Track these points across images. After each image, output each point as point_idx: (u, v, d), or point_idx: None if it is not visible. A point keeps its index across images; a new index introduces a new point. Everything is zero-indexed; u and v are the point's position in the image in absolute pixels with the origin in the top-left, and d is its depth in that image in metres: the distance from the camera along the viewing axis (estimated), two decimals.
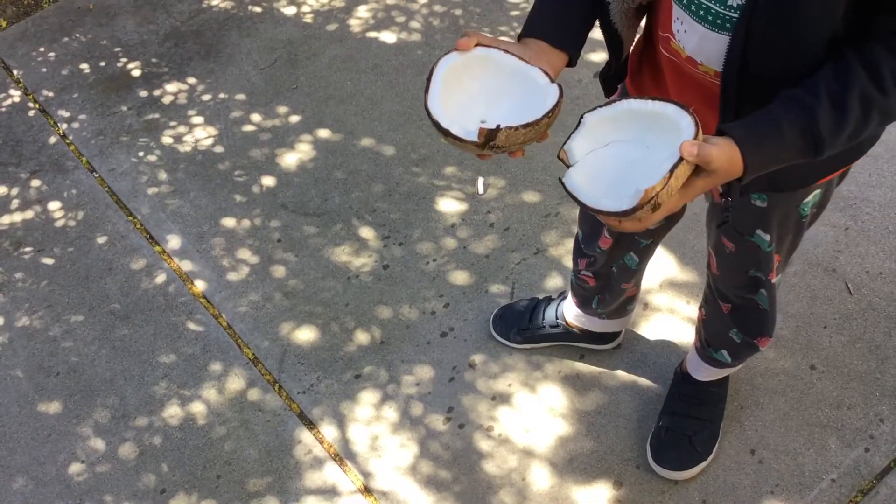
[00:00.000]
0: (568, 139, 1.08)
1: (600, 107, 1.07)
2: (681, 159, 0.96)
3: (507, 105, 1.11)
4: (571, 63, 1.21)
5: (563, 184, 1.05)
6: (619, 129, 1.07)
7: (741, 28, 1.05)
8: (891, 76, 1.01)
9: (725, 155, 1.00)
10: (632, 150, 1.06)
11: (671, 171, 0.96)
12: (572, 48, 1.19)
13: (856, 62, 1.02)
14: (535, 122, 1.05)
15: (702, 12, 1.10)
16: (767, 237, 1.45)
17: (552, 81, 1.10)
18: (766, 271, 1.55)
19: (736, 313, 1.72)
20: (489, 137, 1.03)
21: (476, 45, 1.11)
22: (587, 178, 1.05)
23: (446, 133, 1.05)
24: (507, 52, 1.11)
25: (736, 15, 1.06)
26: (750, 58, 1.08)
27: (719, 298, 1.73)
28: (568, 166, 1.08)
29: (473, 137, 1.04)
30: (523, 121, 1.05)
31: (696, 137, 0.98)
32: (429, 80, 1.09)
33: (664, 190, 0.96)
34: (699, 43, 1.14)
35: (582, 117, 1.08)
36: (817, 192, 1.39)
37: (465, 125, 1.06)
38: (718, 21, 1.09)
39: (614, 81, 1.38)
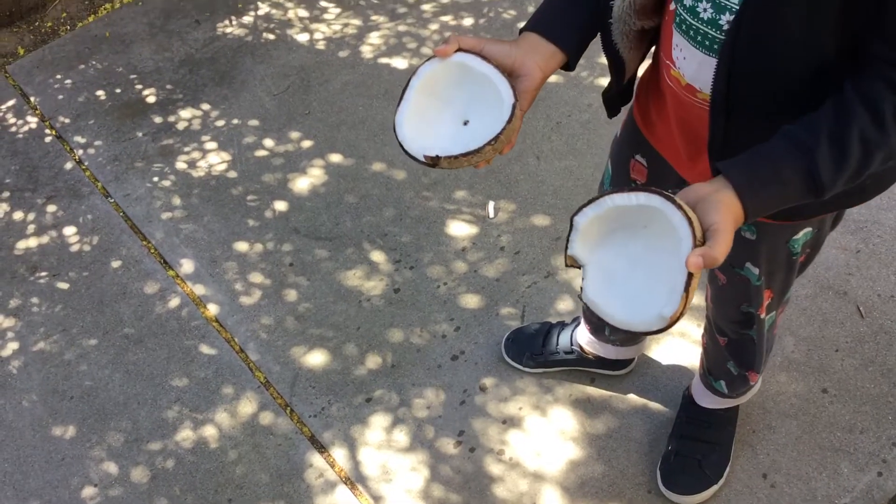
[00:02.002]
0: (568, 244, 1.06)
1: (586, 206, 1.04)
2: (690, 275, 0.95)
3: (474, 115, 1.13)
4: (569, 66, 1.18)
5: (584, 301, 1.05)
6: (612, 230, 1.05)
7: (727, 48, 1.05)
8: (892, 114, 0.98)
9: (729, 221, 0.98)
10: (632, 248, 1.04)
11: (686, 290, 0.95)
12: (568, 46, 1.16)
13: (856, 100, 0.99)
14: (476, 150, 1.06)
15: (699, 37, 1.10)
16: (756, 271, 1.45)
17: (515, 98, 1.09)
18: (756, 306, 1.55)
19: (731, 346, 1.73)
20: (433, 163, 1.08)
21: (457, 51, 1.11)
22: (603, 289, 1.04)
23: (401, 147, 1.09)
24: (484, 58, 1.10)
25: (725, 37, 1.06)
26: (735, 80, 1.08)
27: (716, 332, 1.74)
28: (578, 267, 1.06)
29: (423, 159, 1.09)
30: (468, 146, 1.07)
31: (693, 234, 0.95)
32: (405, 87, 1.11)
33: (686, 308, 0.96)
34: (697, 69, 1.14)
35: (572, 220, 1.06)
36: (808, 230, 1.38)
37: (424, 140, 1.10)
38: (715, 46, 1.09)
39: (616, 102, 1.37)
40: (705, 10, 1.07)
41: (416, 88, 1.11)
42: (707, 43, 1.10)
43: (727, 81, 1.08)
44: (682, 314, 0.96)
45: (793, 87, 1.07)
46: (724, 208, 0.98)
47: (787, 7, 0.98)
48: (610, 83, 1.33)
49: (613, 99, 1.36)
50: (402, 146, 1.10)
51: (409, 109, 1.11)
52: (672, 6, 1.15)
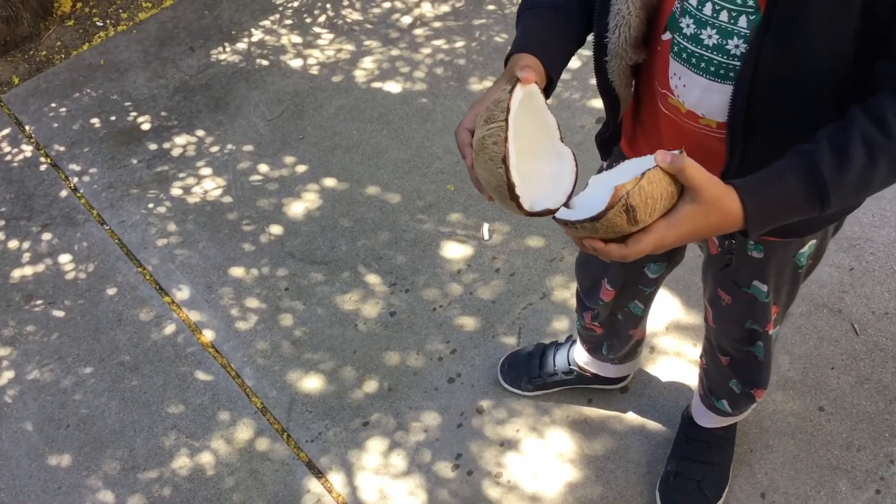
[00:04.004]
0: (571, 197, 1.05)
1: (605, 170, 1.05)
2: (654, 166, 0.94)
3: (535, 156, 1.07)
4: (546, 94, 1.17)
5: (554, 217, 1.03)
6: (618, 179, 1.03)
7: (746, 75, 1.04)
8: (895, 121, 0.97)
9: (708, 177, 0.95)
10: (615, 180, 1.02)
11: (643, 174, 0.93)
12: (556, 77, 1.16)
13: (859, 110, 0.99)
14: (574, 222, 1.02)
15: (703, 64, 1.10)
16: (765, 288, 1.45)
17: (562, 139, 1.07)
18: (764, 323, 1.55)
19: (734, 365, 1.72)
20: (540, 215, 1.02)
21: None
22: (577, 209, 1.03)
23: (514, 198, 0.99)
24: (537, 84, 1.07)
25: (739, 63, 1.06)
26: (755, 104, 1.07)
27: (718, 351, 1.73)
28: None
29: (533, 208, 1.01)
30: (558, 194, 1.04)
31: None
32: (506, 121, 1.00)
33: (635, 190, 0.92)
34: (700, 96, 1.14)
35: (589, 180, 1.05)
36: (813, 242, 1.39)
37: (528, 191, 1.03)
38: (721, 71, 1.09)
39: (610, 144, 1.38)
40: (710, 36, 1.07)
41: (513, 127, 1.01)
42: (712, 69, 1.10)
43: (746, 105, 1.08)
44: (628, 196, 0.92)
45: (810, 106, 1.07)
46: (718, 184, 0.97)
47: (807, 31, 0.98)
48: (605, 124, 1.33)
49: (608, 140, 1.37)
50: (511, 185, 0.99)
51: (514, 151, 1.01)
52: (666, 36, 1.15)
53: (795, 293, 1.53)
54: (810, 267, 1.47)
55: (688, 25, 1.10)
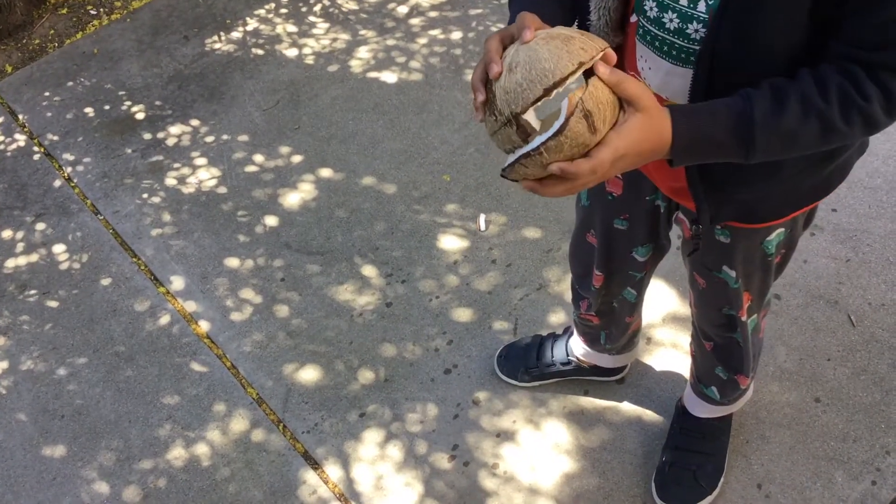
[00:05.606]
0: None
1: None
2: (594, 76, 0.96)
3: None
4: None
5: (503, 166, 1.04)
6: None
7: (705, 60, 1.06)
8: (836, 90, 1.00)
9: (644, 87, 0.97)
10: None
11: (587, 81, 0.95)
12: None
13: (806, 72, 1.03)
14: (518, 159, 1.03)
15: (665, 48, 1.12)
16: (733, 273, 1.47)
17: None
18: (737, 309, 1.57)
19: (718, 351, 1.75)
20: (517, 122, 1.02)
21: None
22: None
23: (549, 90, 0.97)
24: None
25: (698, 48, 1.08)
26: (714, 88, 1.09)
27: (702, 337, 1.76)
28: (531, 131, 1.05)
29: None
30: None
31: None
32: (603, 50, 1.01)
33: (587, 95, 0.94)
34: (664, 79, 1.16)
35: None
36: (781, 230, 1.40)
37: None
38: (683, 55, 1.10)
39: None
40: (671, 20, 1.09)
41: None
42: (674, 53, 1.11)
43: (706, 90, 1.09)
44: (582, 102, 0.94)
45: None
46: (655, 102, 0.99)
47: (762, 16, 1.00)
48: None
49: None
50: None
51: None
52: (634, 18, 1.16)
53: (769, 283, 1.54)
54: (784, 256, 1.49)
55: (651, 8, 1.11)
